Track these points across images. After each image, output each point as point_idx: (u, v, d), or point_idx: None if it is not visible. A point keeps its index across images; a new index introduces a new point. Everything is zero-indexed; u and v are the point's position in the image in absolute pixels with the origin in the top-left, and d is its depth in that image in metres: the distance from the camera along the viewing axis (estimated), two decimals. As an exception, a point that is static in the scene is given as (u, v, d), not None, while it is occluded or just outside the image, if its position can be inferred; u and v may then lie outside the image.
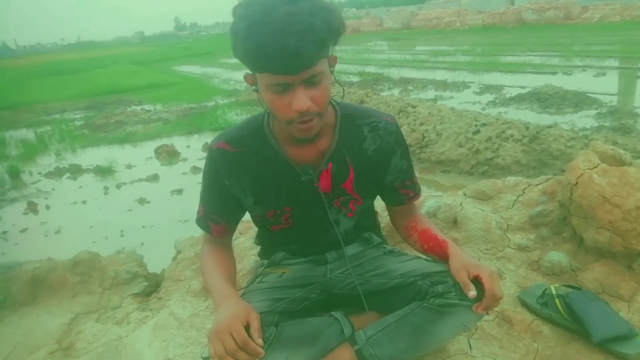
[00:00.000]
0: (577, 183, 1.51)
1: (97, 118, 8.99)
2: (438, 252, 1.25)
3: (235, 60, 1.06)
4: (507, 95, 7.15)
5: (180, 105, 9.64)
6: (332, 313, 1.23)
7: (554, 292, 1.38)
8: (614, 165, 1.52)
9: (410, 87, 8.97)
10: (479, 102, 7.02)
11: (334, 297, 1.32)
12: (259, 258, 1.50)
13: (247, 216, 1.33)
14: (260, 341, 1.00)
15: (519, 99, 6.74)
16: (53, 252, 2.15)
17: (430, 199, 1.96)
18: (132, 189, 4.77)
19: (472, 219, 1.80)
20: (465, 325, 1.17)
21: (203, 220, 1.28)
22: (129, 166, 5.56)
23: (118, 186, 4.87)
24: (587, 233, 1.50)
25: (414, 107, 5.59)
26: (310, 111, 1.00)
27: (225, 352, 0.97)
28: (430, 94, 8.14)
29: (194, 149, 6.04)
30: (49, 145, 7.10)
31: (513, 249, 1.69)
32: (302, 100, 0.98)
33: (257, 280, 1.34)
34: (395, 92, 8.58)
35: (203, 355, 1.30)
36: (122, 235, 3.60)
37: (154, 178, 4.99)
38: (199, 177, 1.33)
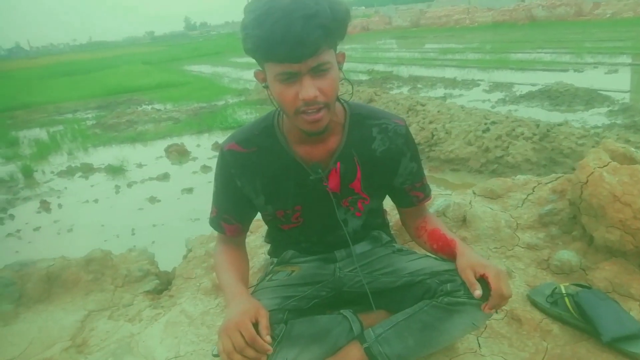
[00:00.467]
0: (587, 181, 1.51)
1: (108, 117, 9.07)
2: (447, 252, 1.25)
3: (245, 59, 1.07)
4: (517, 93, 7.10)
5: (191, 105, 9.69)
6: (341, 311, 1.24)
7: (563, 291, 1.37)
8: (625, 164, 1.51)
9: (419, 85, 8.94)
10: (489, 100, 6.98)
11: (344, 295, 1.33)
12: (269, 256, 1.51)
13: (257, 215, 1.34)
14: (268, 338, 1.02)
15: (529, 97, 6.69)
16: (65, 250, 2.18)
17: (440, 198, 1.96)
18: (142, 187, 4.81)
19: (482, 218, 1.80)
20: (474, 324, 1.17)
21: (216, 221, 1.30)
22: (140, 165, 5.61)
23: (129, 185, 4.92)
24: (597, 232, 1.49)
25: (423, 105, 5.57)
26: (318, 101, 1.01)
27: (233, 349, 0.98)
28: (440, 92, 8.10)
29: (204, 148, 6.07)
30: (61, 145, 7.18)
31: (522, 247, 1.69)
32: (308, 89, 0.99)
33: (267, 278, 1.35)
34: (405, 90, 8.55)
35: (214, 353, 1.32)
36: (133, 234, 3.64)
37: (165, 177, 5.03)
38: (209, 176, 1.34)
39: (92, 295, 1.83)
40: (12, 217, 4.31)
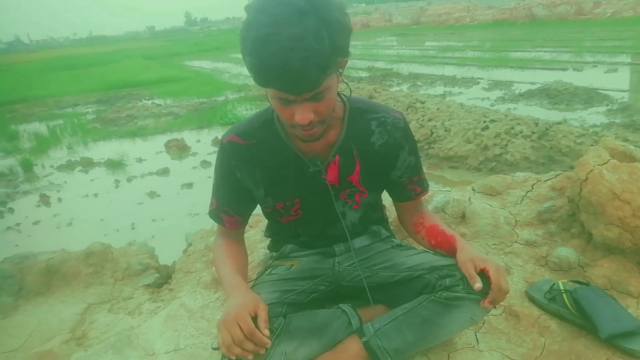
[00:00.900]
0: (586, 179, 1.51)
1: (108, 112, 9.07)
2: (446, 247, 1.26)
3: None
4: (517, 91, 7.11)
5: (191, 100, 9.69)
6: (340, 305, 1.25)
7: (561, 288, 1.38)
8: (624, 162, 1.51)
9: (419, 83, 8.94)
10: (488, 98, 6.99)
11: (342, 289, 1.33)
12: (268, 250, 1.52)
13: (257, 209, 1.35)
14: (267, 332, 1.03)
15: (528, 95, 6.70)
16: (65, 244, 2.18)
17: (439, 194, 1.97)
18: (142, 182, 4.81)
19: (481, 214, 1.81)
20: (473, 319, 1.18)
21: (216, 213, 1.30)
22: (140, 160, 5.61)
23: (129, 179, 4.92)
24: (596, 229, 1.50)
25: (422, 102, 5.57)
26: (312, 122, 1.02)
27: (232, 342, 0.99)
28: (439, 89, 8.11)
29: (204, 143, 6.08)
30: (61, 139, 7.18)
31: (521, 244, 1.70)
32: (305, 114, 1.00)
33: (267, 272, 1.36)
34: (404, 87, 8.55)
35: (213, 346, 1.32)
36: (133, 228, 3.64)
37: (165, 172, 5.04)
38: (209, 171, 1.35)
39: (92, 289, 1.83)
40: (11, 210, 4.31)
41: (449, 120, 4.88)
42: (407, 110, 5.53)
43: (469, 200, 1.90)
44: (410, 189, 1.33)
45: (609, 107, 5.66)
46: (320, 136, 1.11)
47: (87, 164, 5.61)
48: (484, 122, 4.55)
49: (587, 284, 1.40)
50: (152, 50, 33.68)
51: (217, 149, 1.27)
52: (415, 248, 1.37)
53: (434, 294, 1.16)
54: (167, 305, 1.67)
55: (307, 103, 0.99)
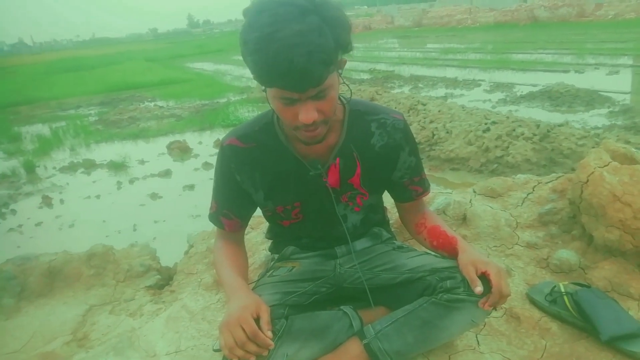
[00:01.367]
0: (587, 181, 1.51)
1: (110, 114, 9.09)
2: (447, 249, 1.26)
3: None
4: (518, 94, 7.11)
5: (193, 102, 9.71)
6: (342, 307, 1.25)
7: (562, 290, 1.38)
8: (625, 164, 1.52)
9: (420, 85, 8.95)
10: (490, 100, 6.99)
11: (344, 291, 1.33)
12: (269, 252, 1.52)
13: (258, 211, 1.35)
14: (269, 333, 1.03)
15: (530, 97, 6.70)
16: (67, 245, 2.19)
17: (440, 196, 1.97)
18: (144, 184, 4.83)
19: (482, 216, 1.81)
20: (474, 321, 1.18)
21: (215, 216, 1.31)
22: (142, 162, 5.63)
23: (131, 181, 4.94)
24: (597, 231, 1.50)
25: (424, 104, 5.58)
26: (316, 122, 1.02)
27: (235, 344, 0.99)
28: (441, 91, 8.11)
29: (206, 145, 6.09)
30: (63, 141, 7.20)
31: (522, 246, 1.70)
32: (308, 113, 1.00)
33: (268, 274, 1.36)
34: (406, 89, 8.56)
35: (215, 348, 1.33)
36: (134, 230, 3.65)
37: (166, 174, 5.05)
38: (211, 173, 1.35)
39: (94, 290, 1.84)
40: (14, 212, 4.33)
41: (450, 122, 4.88)
42: (408, 112, 5.54)
43: (470, 202, 1.91)
44: (411, 189, 1.33)
45: (610, 109, 5.66)
46: (322, 138, 1.11)
47: (90, 166, 5.62)
48: (486, 124, 4.55)
49: (588, 286, 1.40)
50: (155, 52, 33.75)
51: (218, 151, 1.28)
52: (416, 250, 1.37)
53: (435, 296, 1.16)
54: (169, 306, 1.67)
55: (311, 102, 1.00)
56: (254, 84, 10.31)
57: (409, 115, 5.38)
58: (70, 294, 1.83)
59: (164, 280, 1.95)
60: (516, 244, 1.71)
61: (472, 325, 1.21)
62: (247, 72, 1.00)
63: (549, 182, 1.91)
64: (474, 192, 2.03)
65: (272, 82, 0.96)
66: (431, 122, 5.07)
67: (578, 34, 15.23)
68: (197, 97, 10.19)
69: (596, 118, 5.40)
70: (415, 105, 5.64)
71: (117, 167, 5.44)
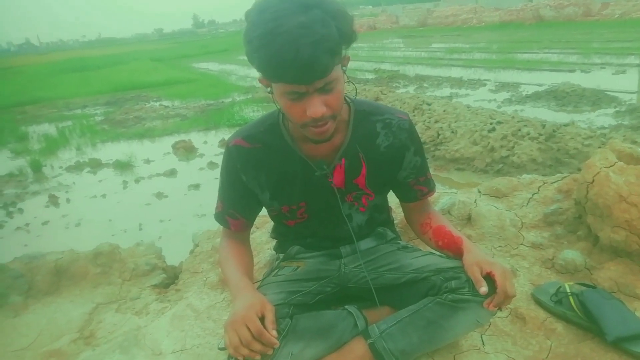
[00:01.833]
0: (593, 181, 1.51)
1: (116, 113, 9.13)
2: (452, 249, 1.26)
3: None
4: (524, 93, 7.08)
5: (198, 102, 9.74)
6: (346, 307, 1.25)
7: (568, 290, 1.37)
8: (631, 164, 1.51)
9: (425, 85, 8.93)
10: (495, 99, 6.97)
11: (349, 290, 1.34)
12: (274, 252, 1.53)
13: (263, 211, 1.36)
14: (274, 332, 1.03)
15: (535, 97, 6.67)
16: (73, 244, 2.20)
17: (445, 196, 1.97)
18: (150, 183, 4.85)
19: (487, 216, 1.80)
20: (479, 321, 1.18)
21: (221, 216, 1.31)
22: (148, 161, 5.65)
23: (137, 181, 4.96)
24: (602, 232, 1.49)
25: (429, 104, 5.57)
26: (325, 116, 1.02)
27: (240, 343, 1.00)
28: (446, 91, 8.10)
29: (211, 145, 6.11)
30: (70, 140, 7.24)
31: (527, 246, 1.69)
32: (316, 107, 1.00)
33: (273, 273, 1.36)
34: (411, 89, 8.54)
35: (220, 346, 1.33)
36: (140, 229, 3.67)
37: (172, 173, 5.07)
38: (216, 172, 1.36)
39: (100, 288, 1.85)
40: (21, 210, 4.36)
41: (455, 122, 4.87)
42: (413, 112, 5.53)
43: (475, 202, 1.90)
44: (416, 189, 1.33)
45: (617, 109, 5.63)
46: (331, 136, 1.12)
47: (96, 165, 5.65)
48: (491, 124, 4.54)
49: (594, 287, 1.40)
50: (160, 52, 33.88)
51: (223, 151, 1.28)
52: (421, 250, 1.37)
53: (440, 296, 1.16)
54: (174, 305, 1.68)
55: (318, 96, 1.00)
56: (259, 83, 10.29)
57: (414, 115, 5.38)
58: (77, 292, 1.84)
59: (170, 279, 1.96)
60: (521, 244, 1.71)
61: (476, 326, 1.20)
62: (252, 72, 1.01)
63: (554, 182, 1.91)
64: (479, 192, 2.02)
65: (279, 76, 0.97)
66: (436, 121, 5.06)
67: (584, 33, 15.15)
68: (202, 96, 10.22)
69: (602, 118, 5.37)
70: (420, 105, 5.63)
71: (123, 166, 5.46)
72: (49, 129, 8.35)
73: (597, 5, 20.40)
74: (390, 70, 11.20)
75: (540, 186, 1.93)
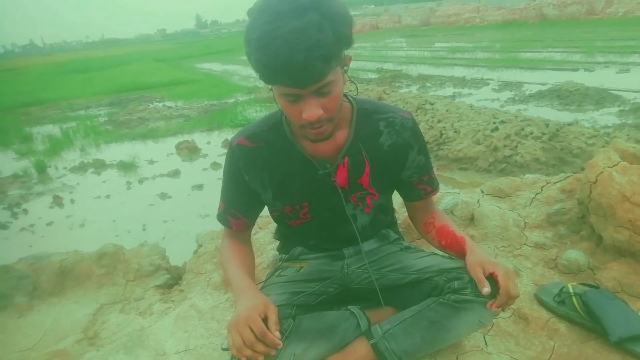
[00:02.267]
0: (596, 181, 1.50)
1: (120, 114, 9.15)
2: (455, 249, 1.26)
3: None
4: (527, 92, 7.06)
5: (201, 102, 9.75)
6: (349, 307, 1.25)
7: (571, 290, 1.37)
8: (635, 164, 1.51)
9: (428, 84, 8.92)
10: (498, 99, 6.95)
11: (351, 291, 1.34)
12: (277, 252, 1.53)
13: (266, 211, 1.36)
14: (277, 333, 1.04)
15: (538, 96, 6.65)
16: (78, 245, 2.21)
17: (448, 196, 1.97)
18: (153, 184, 4.86)
19: (490, 216, 1.80)
20: (481, 322, 1.18)
21: (223, 215, 1.32)
22: (151, 162, 5.66)
23: (140, 181, 4.97)
24: (606, 231, 1.49)
25: (432, 104, 5.56)
26: (320, 119, 1.03)
27: (243, 344, 1.00)
28: (449, 91, 8.08)
29: (215, 145, 6.12)
30: (74, 141, 7.27)
31: (530, 246, 1.69)
32: (312, 110, 1.01)
33: (276, 274, 1.37)
34: (414, 89, 8.54)
35: (223, 347, 1.34)
36: (144, 229, 3.68)
37: (175, 173, 5.08)
38: (219, 172, 1.37)
39: (104, 289, 1.86)
40: (25, 211, 4.38)
41: (458, 121, 4.86)
42: (416, 111, 5.53)
43: (478, 202, 1.90)
44: (420, 188, 1.33)
45: (620, 108, 5.61)
46: (329, 135, 1.12)
47: (100, 166, 5.67)
48: (494, 123, 4.53)
49: (597, 287, 1.39)
50: (163, 52, 33.96)
51: (226, 151, 1.29)
52: (424, 250, 1.37)
53: (443, 297, 1.16)
54: (178, 306, 1.69)
55: (314, 99, 1.00)
56: (262, 84, 10.30)
57: (417, 115, 5.37)
58: (81, 292, 1.85)
59: (173, 280, 1.97)
60: (524, 244, 1.71)
61: (479, 326, 1.21)
62: (255, 72, 1.01)
63: (557, 182, 1.90)
64: (482, 192, 2.02)
65: (274, 79, 0.98)
66: (439, 121, 5.05)
67: (587, 31, 15.09)
68: (206, 97, 10.24)
69: (606, 117, 5.35)
70: (423, 104, 5.62)
71: (127, 167, 5.48)
72: (53, 130, 8.37)
73: (600, 4, 20.31)
74: (392, 70, 11.19)
75: (543, 186, 1.92)
